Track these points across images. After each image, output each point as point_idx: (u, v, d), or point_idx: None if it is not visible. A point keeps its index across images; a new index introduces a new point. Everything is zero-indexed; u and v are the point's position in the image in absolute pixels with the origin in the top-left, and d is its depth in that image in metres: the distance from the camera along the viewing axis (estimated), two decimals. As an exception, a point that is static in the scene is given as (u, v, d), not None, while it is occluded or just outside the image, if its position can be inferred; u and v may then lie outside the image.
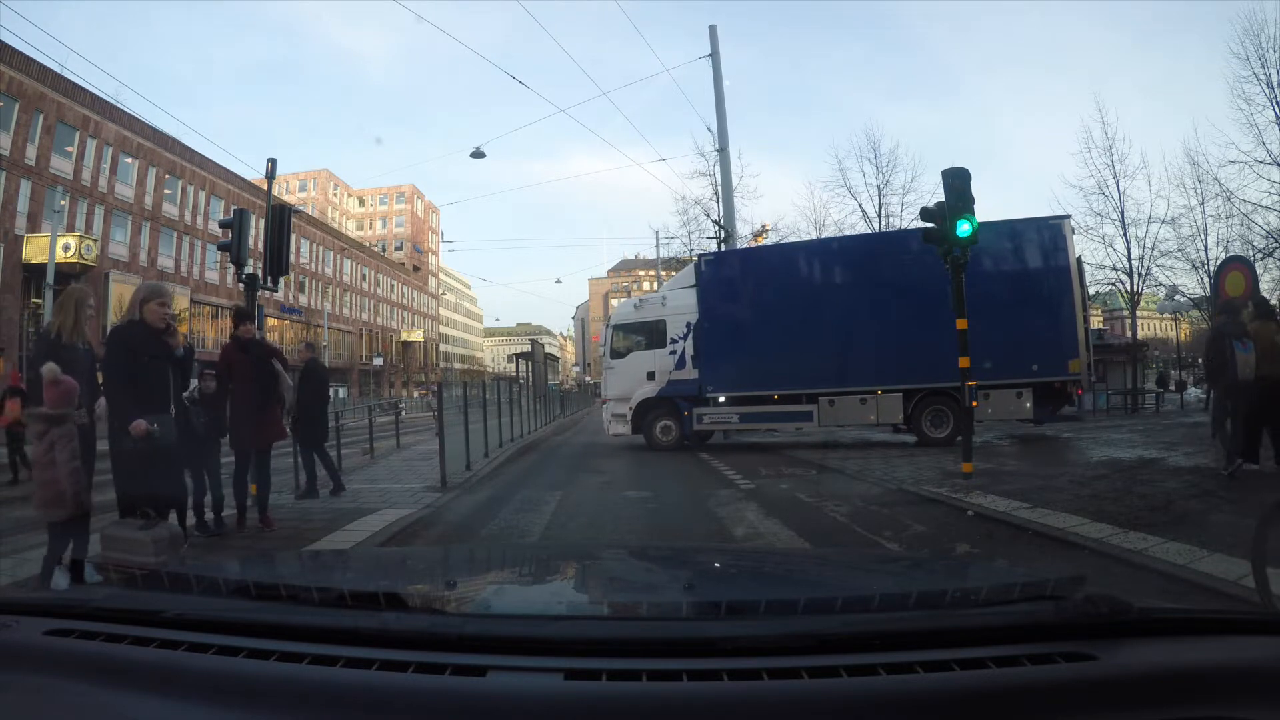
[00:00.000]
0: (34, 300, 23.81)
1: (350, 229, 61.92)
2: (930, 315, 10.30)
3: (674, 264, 26.31)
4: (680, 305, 12.27)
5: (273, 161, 7.69)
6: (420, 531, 5.77)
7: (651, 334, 12.45)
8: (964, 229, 6.89)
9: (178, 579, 1.28)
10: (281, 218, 7.22)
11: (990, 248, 10.05)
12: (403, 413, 17.49)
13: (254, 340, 5.81)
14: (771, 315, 11.56)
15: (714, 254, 14.32)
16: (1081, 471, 7.31)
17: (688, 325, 12.09)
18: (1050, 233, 10.83)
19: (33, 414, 3.77)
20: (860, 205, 23.24)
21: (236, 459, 5.68)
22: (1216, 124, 36.36)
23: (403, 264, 64.13)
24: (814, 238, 21.13)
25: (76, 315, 3.90)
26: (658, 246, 28.06)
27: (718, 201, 20.45)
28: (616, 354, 12.81)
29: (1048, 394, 10.62)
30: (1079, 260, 11.25)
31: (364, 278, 53.57)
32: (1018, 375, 10.41)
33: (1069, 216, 11.41)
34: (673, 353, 12.20)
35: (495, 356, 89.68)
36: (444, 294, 75.79)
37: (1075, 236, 11.65)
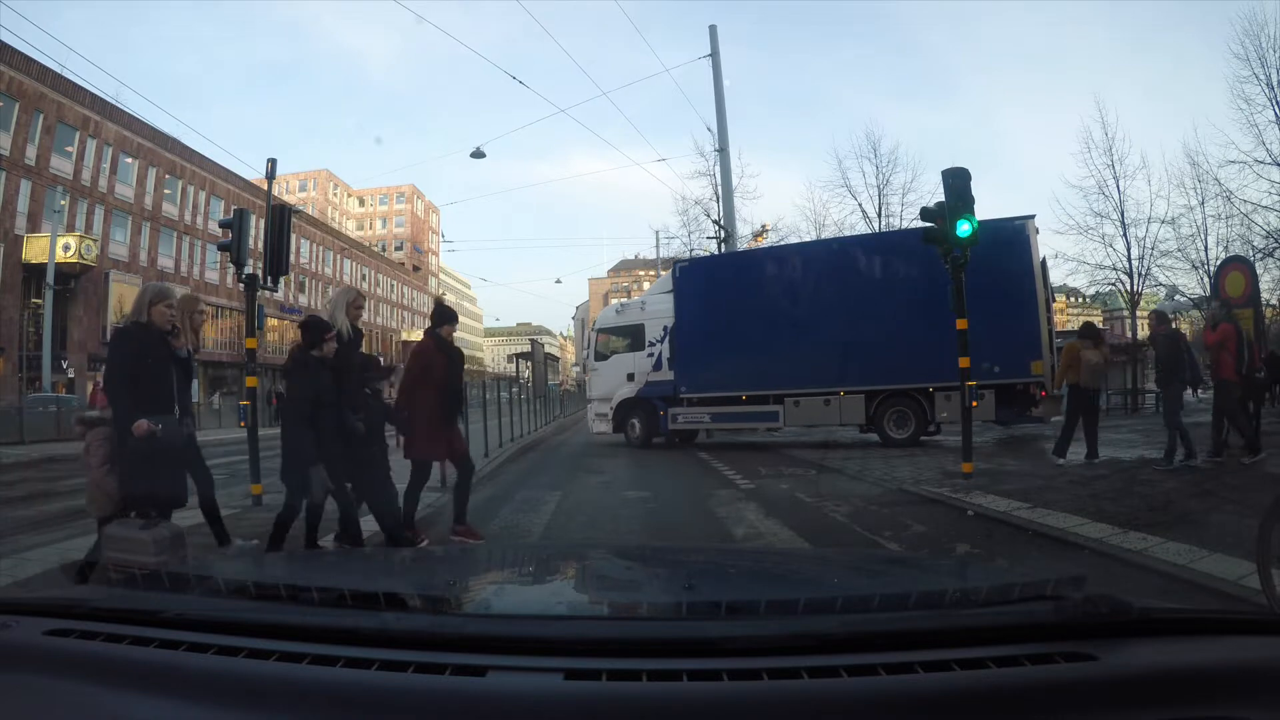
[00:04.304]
0: (34, 300, 23.83)
1: (350, 229, 61.94)
2: (890, 318, 10.78)
3: (674, 261, 26.30)
4: (658, 310, 12.91)
5: (273, 161, 7.69)
6: (420, 531, 5.75)
7: (632, 337, 13.08)
8: (964, 229, 6.90)
9: (178, 579, 1.28)
10: (281, 218, 7.20)
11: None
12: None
13: (452, 343, 5.19)
14: (739, 319, 11.98)
15: (689, 261, 15.31)
16: (1081, 471, 7.31)
17: (664, 329, 12.69)
18: (1013, 234, 10.70)
19: (78, 418, 4.13)
20: (860, 205, 23.27)
21: (415, 471, 5.10)
22: (1216, 124, 35.86)
23: (403, 264, 64.15)
24: (813, 238, 21.16)
25: (189, 321, 4.29)
26: (658, 246, 28.08)
27: (718, 201, 20.47)
28: (600, 356, 13.46)
29: (1010, 396, 10.57)
30: (1044, 262, 11.19)
31: (364, 278, 53.59)
32: (978, 377, 10.42)
33: (1033, 217, 11.17)
34: (650, 355, 12.78)
35: (495, 356, 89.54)
36: (444, 294, 75.74)
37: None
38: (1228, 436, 7.48)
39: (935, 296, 10.25)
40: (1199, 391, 8.73)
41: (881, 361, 10.87)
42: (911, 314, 10.50)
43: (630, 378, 12.94)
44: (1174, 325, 8.16)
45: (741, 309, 12.02)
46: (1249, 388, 7.60)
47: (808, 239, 21.33)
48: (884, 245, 12.51)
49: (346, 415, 4.23)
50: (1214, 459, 7.27)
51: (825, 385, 11.39)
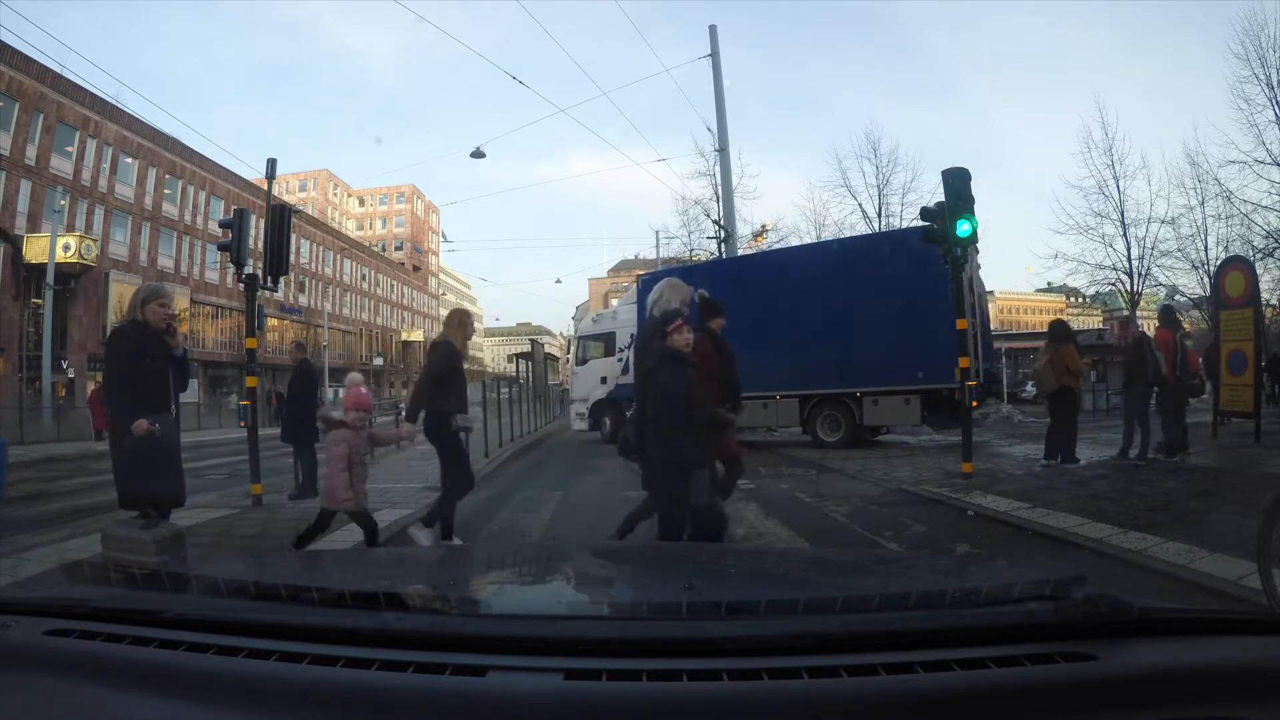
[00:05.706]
0: (34, 300, 23.82)
1: (350, 229, 61.93)
2: (820, 327, 11.12)
3: (674, 264, 26.32)
4: (627, 319, 13.75)
5: (273, 161, 7.68)
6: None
7: (606, 344, 14.25)
8: (964, 229, 6.91)
9: (178, 579, 1.28)
10: (281, 218, 7.20)
11: (876, 256, 10.93)
12: (403, 412, 17.44)
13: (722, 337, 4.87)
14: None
15: (651, 274, 16.23)
16: (1081, 471, 7.31)
17: (631, 336, 13.24)
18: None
19: (321, 414, 4.74)
20: (860, 205, 23.29)
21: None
22: (1216, 124, 36.00)
23: (403, 264, 64.15)
24: (813, 239, 21.21)
25: (463, 332, 4.79)
26: (658, 246, 27.98)
27: (718, 201, 20.46)
28: (581, 361, 14.76)
29: (937, 401, 10.47)
30: (978, 266, 11.05)
31: (364, 278, 53.59)
32: (904, 382, 10.59)
33: None
34: (620, 360, 13.51)
35: (495, 356, 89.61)
36: (444, 294, 75.75)
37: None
38: (1183, 435, 7.99)
39: (862, 307, 10.65)
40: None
41: (812, 368, 11.26)
42: (840, 323, 10.90)
43: (603, 380, 13.88)
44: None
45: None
46: (1180, 391, 8.07)
47: (808, 239, 21.41)
48: (814, 256, 13.03)
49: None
50: (1170, 456, 7.68)
51: (762, 389, 11.60)
